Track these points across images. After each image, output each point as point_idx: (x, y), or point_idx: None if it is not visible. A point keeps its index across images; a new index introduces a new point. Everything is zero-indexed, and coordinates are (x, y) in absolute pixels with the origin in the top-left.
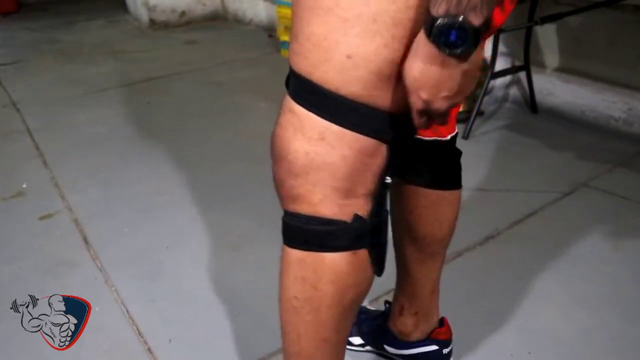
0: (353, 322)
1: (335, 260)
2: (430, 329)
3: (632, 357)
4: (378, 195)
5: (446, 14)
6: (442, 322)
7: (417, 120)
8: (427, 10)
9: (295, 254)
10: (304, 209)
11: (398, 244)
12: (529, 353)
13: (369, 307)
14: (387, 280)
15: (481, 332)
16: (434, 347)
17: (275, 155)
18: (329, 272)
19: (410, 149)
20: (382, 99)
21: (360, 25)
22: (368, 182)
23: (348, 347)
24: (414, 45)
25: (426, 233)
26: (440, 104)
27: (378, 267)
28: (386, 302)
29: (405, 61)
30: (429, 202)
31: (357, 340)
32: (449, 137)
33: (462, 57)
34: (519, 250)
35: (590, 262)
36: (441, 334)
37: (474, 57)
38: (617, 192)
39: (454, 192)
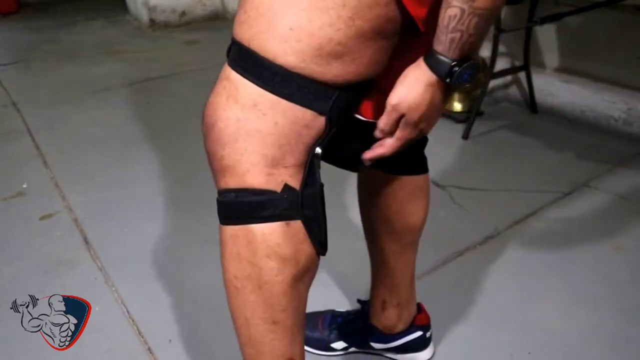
0: (327, 323)
1: (266, 231)
2: (412, 317)
3: (631, 356)
4: (309, 166)
5: (460, 58)
6: (419, 307)
7: (383, 127)
8: (432, 50)
9: (229, 230)
10: (233, 182)
11: (374, 239)
12: (529, 353)
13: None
14: None
15: (481, 331)
16: (419, 333)
17: (207, 124)
18: (262, 245)
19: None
20: (320, 72)
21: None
22: (299, 153)
23: (332, 353)
24: (413, 73)
25: (405, 225)
26: (422, 125)
27: (319, 244)
28: (359, 300)
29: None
30: (407, 192)
31: (339, 344)
32: None
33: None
34: (519, 250)
35: (590, 262)
36: (422, 319)
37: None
38: (617, 192)
39: (426, 177)
